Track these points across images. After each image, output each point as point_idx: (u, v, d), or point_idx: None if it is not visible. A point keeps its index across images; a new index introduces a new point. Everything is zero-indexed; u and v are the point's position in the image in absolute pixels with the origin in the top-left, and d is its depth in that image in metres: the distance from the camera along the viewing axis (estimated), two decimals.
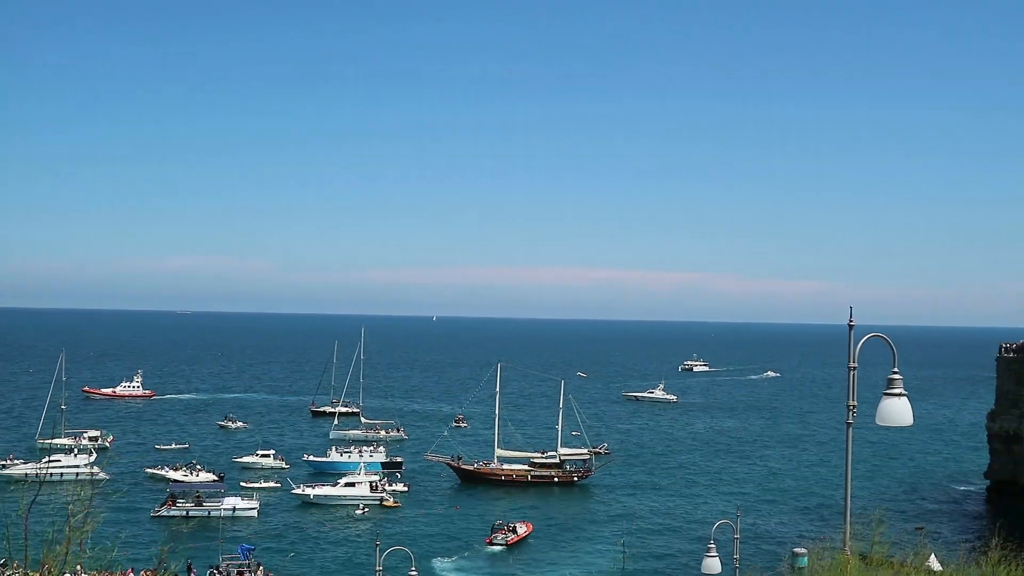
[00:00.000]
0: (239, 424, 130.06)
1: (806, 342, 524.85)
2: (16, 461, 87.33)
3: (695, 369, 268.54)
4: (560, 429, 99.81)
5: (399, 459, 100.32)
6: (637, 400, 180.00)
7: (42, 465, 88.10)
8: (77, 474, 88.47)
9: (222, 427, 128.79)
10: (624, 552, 61.04)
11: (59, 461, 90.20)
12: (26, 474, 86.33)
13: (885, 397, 13.59)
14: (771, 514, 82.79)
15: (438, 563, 64.22)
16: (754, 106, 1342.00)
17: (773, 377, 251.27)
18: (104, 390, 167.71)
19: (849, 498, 24.46)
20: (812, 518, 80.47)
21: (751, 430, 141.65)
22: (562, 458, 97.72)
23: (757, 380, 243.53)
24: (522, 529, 73.30)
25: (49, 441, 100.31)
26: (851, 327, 25.19)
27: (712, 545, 34.06)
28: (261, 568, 54.24)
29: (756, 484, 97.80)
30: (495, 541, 70.44)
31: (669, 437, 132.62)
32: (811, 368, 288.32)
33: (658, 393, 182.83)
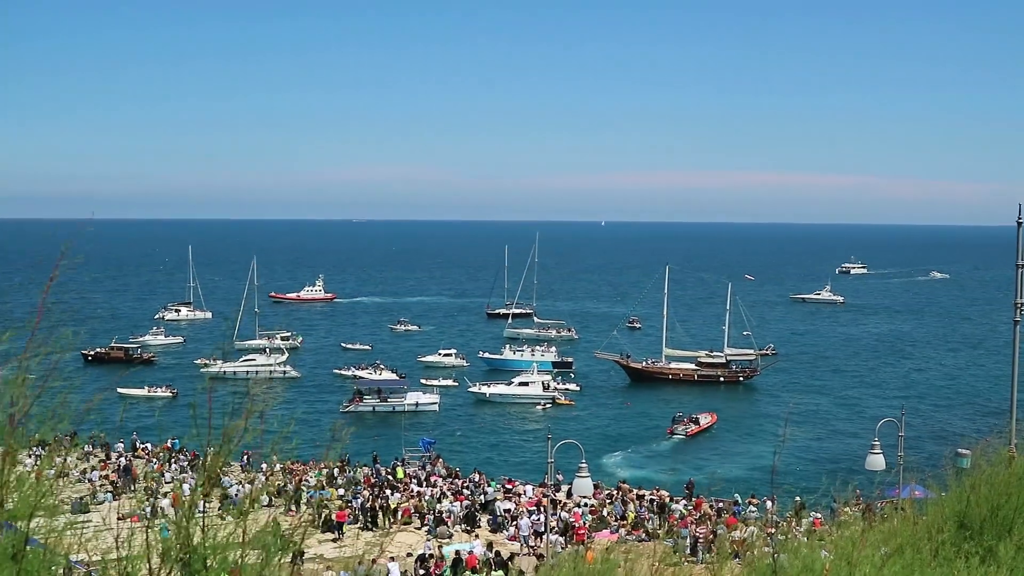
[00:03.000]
0: (411, 327, 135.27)
1: (983, 244, 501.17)
2: (217, 360, 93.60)
3: (852, 272, 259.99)
4: (726, 330, 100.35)
5: (570, 359, 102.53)
6: (804, 302, 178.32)
7: (240, 364, 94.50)
8: (271, 372, 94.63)
9: (393, 330, 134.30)
10: (776, 451, 61.92)
11: (254, 360, 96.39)
12: (224, 372, 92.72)
13: None
14: (938, 414, 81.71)
15: (609, 457, 66.49)
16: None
17: (942, 279, 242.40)
18: (289, 294, 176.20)
19: (1015, 397, 24.99)
20: (980, 420, 79.13)
21: (920, 331, 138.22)
22: (728, 358, 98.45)
23: (925, 281, 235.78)
24: (704, 420, 75.16)
25: (245, 342, 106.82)
26: (1020, 225, 25.34)
27: (876, 443, 34.83)
28: (440, 460, 57.45)
29: (924, 385, 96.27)
30: (675, 432, 72.71)
31: (835, 338, 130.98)
32: (990, 270, 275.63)
33: (825, 294, 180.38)
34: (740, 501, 46.33)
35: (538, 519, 38.98)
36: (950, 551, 7.61)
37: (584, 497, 40.87)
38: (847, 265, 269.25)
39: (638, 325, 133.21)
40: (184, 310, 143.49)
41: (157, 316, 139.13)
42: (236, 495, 44.87)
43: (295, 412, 77.25)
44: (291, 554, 5.69)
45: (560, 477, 48.31)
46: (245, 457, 50.61)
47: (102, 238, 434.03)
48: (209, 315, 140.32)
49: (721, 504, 45.29)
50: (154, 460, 55.74)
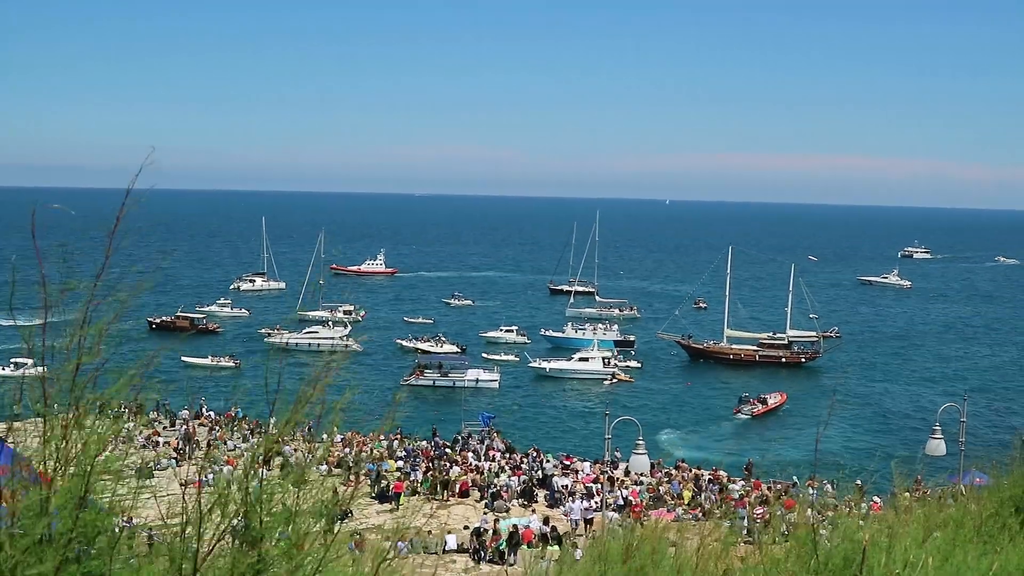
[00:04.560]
0: (465, 301, 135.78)
1: None
2: (282, 331, 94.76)
3: (915, 256, 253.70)
4: (789, 311, 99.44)
5: (631, 337, 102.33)
6: (871, 284, 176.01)
7: (303, 335, 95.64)
8: (333, 345, 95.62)
9: (448, 303, 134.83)
10: (820, 430, 61.41)
11: (317, 332, 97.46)
12: (287, 343, 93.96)
13: None
14: (1002, 402, 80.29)
15: (668, 435, 66.43)
16: None
17: (1011, 264, 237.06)
18: (351, 267, 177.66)
19: None
20: None
21: (986, 317, 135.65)
22: (790, 339, 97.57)
23: (992, 267, 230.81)
24: (772, 400, 74.79)
25: (309, 313, 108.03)
26: None
27: (937, 427, 34.47)
28: (499, 435, 57.74)
29: (989, 371, 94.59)
30: (741, 412, 72.56)
31: (901, 322, 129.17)
32: None
33: (892, 278, 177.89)
34: (799, 483, 46.06)
35: (590, 505, 39.01)
36: (992, 526, 7.58)
37: (641, 474, 40.89)
38: (910, 249, 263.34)
39: (704, 306, 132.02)
40: (259, 280, 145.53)
41: (232, 286, 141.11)
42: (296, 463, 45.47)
43: (356, 384, 78.42)
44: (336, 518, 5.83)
45: (618, 454, 48.37)
46: (307, 427, 51.31)
47: (179, 208, 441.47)
48: (283, 285, 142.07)
49: (779, 485, 45.04)
50: (216, 428, 56.73)
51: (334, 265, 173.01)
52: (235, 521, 5.18)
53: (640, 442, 32.74)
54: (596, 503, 38.65)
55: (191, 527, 5.09)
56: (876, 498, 38.65)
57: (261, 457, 5.58)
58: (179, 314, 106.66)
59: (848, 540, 5.97)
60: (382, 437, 54.81)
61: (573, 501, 40.21)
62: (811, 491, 44.40)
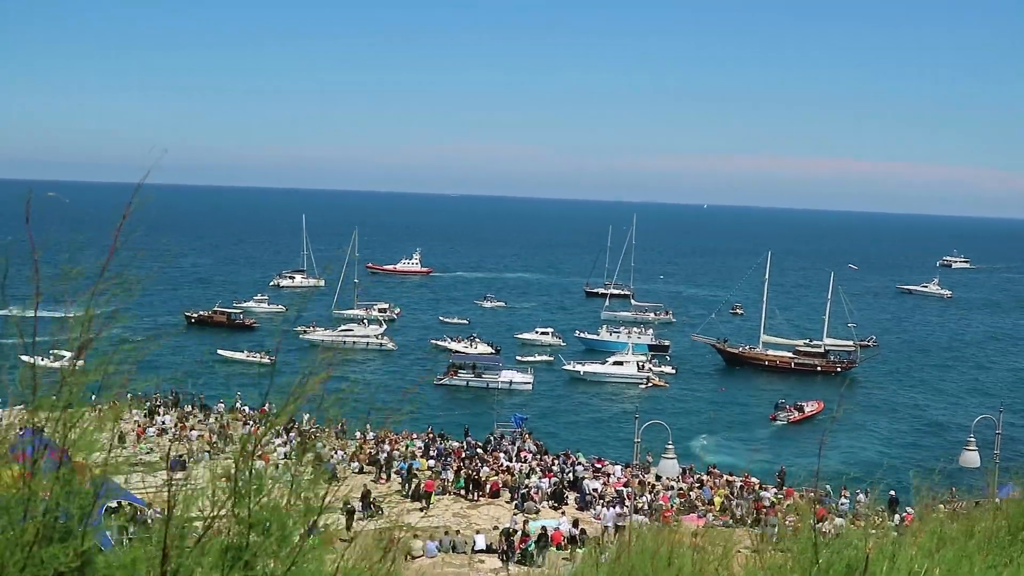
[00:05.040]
0: (497, 303, 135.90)
1: None
2: (316, 328, 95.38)
3: (954, 265, 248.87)
4: (826, 319, 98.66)
5: (666, 342, 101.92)
6: (910, 293, 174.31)
7: (338, 333, 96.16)
8: (368, 343, 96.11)
9: (480, 305, 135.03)
10: (820, 443, 61.00)
11: (352, 330, 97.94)
12: (322, 340, 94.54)
13: None
14: None
15: (701, 440, 66.21)
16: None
17: None
18: (386, 266, 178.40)
19: None
20: None
21: None
22: (827, 347, 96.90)
23: None
24: (809, 408, 74.46)
25: (344, 312, 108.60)
26: None
27: (972, 439, 34.18)
28: (531, 436, 57.79)
29: None
30: (778, 418, 72.36)
31: (940, 332, 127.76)
32: None
33: (932, 287, 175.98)
34: (831, 492, 45.80)
35: (622, 511, 39.01)
36: (1004, 539, 7.57)
37: (671, 479, 40.82)
38: (948, 258, 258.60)
39: (741, 312, 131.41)
40: (298, 277, 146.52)
41: (272, 283, 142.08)
42: (329, 462, 45.91)
43: (390, 383, 78.53)
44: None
45: (650, 459, 48.30)
46: (340, 425, 51.69)
47: (221, 205, 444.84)
48: (322, 283, 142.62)
49: (812, 494, 44.79)
50: (250, 423, 57.25)
51: (370, 263, 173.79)
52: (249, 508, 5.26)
53: (669, 447, 32.67)
54: (628, 508, 38.66)
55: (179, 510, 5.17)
56: (909, 509, 38.40)
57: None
58: (216, 309, 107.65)
59: (851, 548, 6.00)
60: (415, 436, 55.15)
61: (607, 508, 40.23)
62: (843, 500, 44.20)
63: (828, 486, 46.05)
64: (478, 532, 35.28)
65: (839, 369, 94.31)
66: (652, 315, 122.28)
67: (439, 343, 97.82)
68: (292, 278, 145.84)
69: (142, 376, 5.53)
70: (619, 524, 38.16)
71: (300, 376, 5.61)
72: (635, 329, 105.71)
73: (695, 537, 11.75)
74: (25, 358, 4.97)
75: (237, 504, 5.17)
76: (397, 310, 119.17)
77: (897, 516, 37.46)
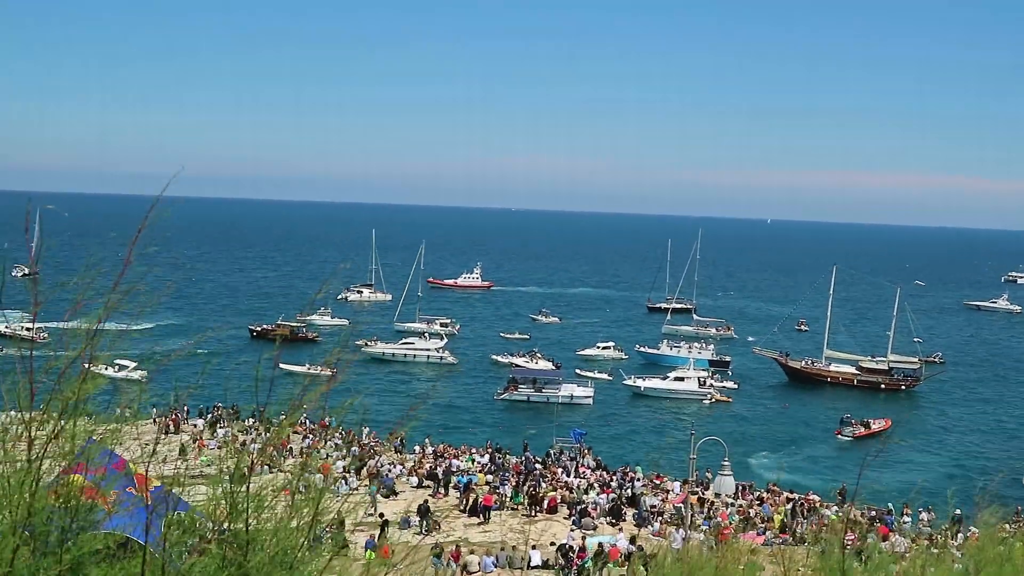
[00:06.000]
0: (552, 318, 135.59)
1: None
2: (378, 342, 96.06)
3: (1019, 281, 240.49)
4: (891, 335, 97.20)
5: (727, 357, 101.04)
6: (978, 309, 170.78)
7: (399, 346, 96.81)
8: (428, 357, 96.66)
9: (535, 320, 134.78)
10: (862, 464, 59.98)
11: (413, 344, 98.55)
12: (384, 353, 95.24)
13: None
14: None
15: (763, 457, 65.59)
16: None
17: None
18: (447, 280, 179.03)
19: None
20: None
21: None
22: (891, 364, 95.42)
23: None
24: (876, 425, 73.61)
25: (405, 325, 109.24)
26: None
27: None
28: (589, 451, 57.70)
29: None
30: (843, 434, 71.76)
31: (1008, 349, 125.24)
32: None
33: (1001, 303, 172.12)
34: (893, 510, 45.16)
35: (688, 534, 38.80)
36: None
37: (729, 496, 40.54)
38: (1014, 274, 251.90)
39: (805, 328, 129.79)
40: (366, 291, 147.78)
41: (340, 296, 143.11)
42: (388, 476, 46.30)
43: (451, 398, 78.78)
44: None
45: (708, 475, 48.00)
46: (399, 439, 52.07)
47: (295, 217, 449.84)
48: (389, 297, 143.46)
49: (873, 512, 44.21)
50: (309, 436, 57.83)
51: (431, 278, 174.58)
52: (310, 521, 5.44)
53: (725, 463, 32.47)
54: (685, 526, 38.49)
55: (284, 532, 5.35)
56: (974, 528, 37.77)
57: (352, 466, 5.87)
58: (279, 322, 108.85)
59: (881, 570, 6.01)
60: (475, 450, 55.36)
61: (677, 531, 40.05)
62: (906, 519, 43.57)
63: (890, 504, 45.44)
64: (534, 547, 35.33)
65: (903, 387, 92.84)
66: (713, 330, 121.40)
67: (500, 359, 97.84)
68: (360, 292, 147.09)
69: (203, 388, 5.76)
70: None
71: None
72: (696, 344, 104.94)
73: (751, 554, 11.77)
74: (93, 369, 5.19)
75: (294, 516, 5.35)
76: (457, 325, 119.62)
77: (961, 535, 36.85)
